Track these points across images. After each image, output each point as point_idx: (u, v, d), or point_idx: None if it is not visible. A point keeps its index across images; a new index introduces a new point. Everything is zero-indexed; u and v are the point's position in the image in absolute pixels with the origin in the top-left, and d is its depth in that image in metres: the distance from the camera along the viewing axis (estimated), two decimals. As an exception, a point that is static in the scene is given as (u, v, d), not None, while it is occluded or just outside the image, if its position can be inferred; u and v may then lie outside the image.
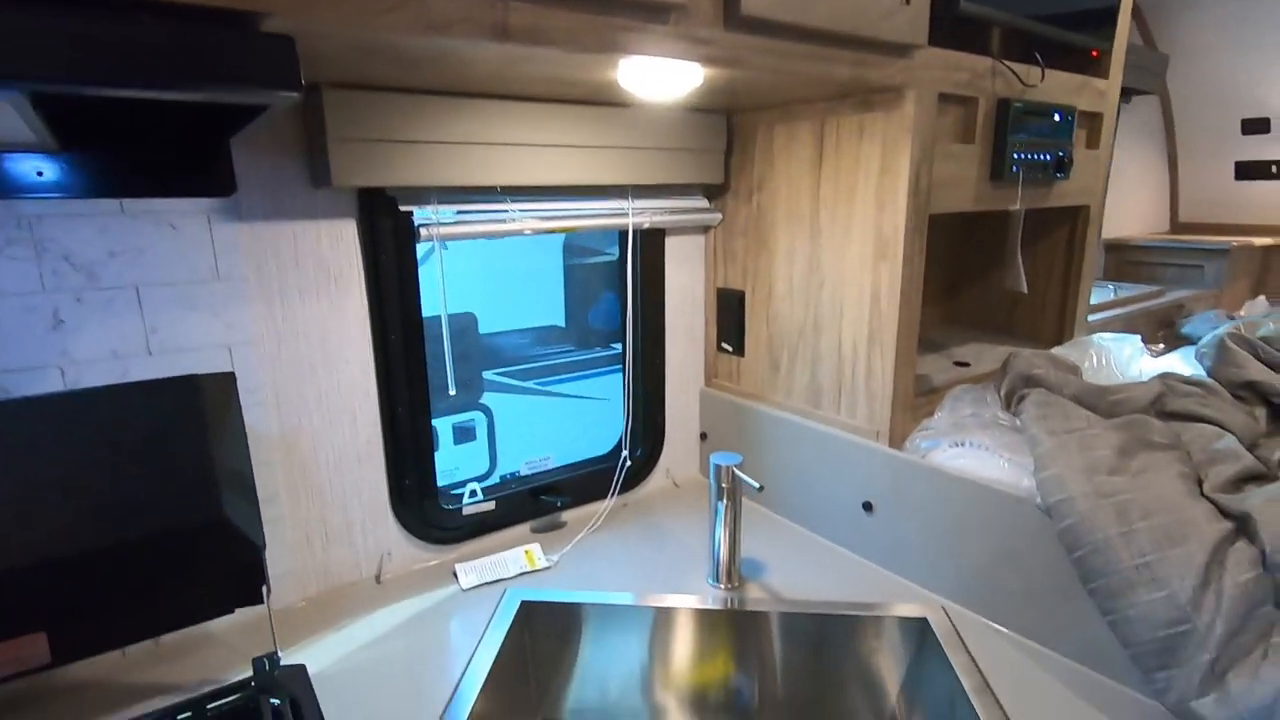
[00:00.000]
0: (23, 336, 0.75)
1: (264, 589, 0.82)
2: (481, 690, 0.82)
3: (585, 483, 1.24)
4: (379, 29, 0.59)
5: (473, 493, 1.12)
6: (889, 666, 0.95)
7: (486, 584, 1.03)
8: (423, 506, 1.06)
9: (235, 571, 0.80)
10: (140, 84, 0.48)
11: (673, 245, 1.25)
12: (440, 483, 1.09)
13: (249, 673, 0.82)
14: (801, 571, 1.05)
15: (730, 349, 1.29)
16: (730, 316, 1.27)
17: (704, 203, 1.24)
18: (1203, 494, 0.76)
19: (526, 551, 1.10)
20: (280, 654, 0.85)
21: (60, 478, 0.67)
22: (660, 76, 0.82)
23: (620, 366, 1.27)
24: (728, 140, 1.19)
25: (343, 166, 0.85)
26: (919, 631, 0.93)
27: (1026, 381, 0.99)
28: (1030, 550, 0.86)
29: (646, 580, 1.03)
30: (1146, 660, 0.71)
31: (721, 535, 0.98)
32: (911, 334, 1.02)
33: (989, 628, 0.91)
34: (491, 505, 1.13)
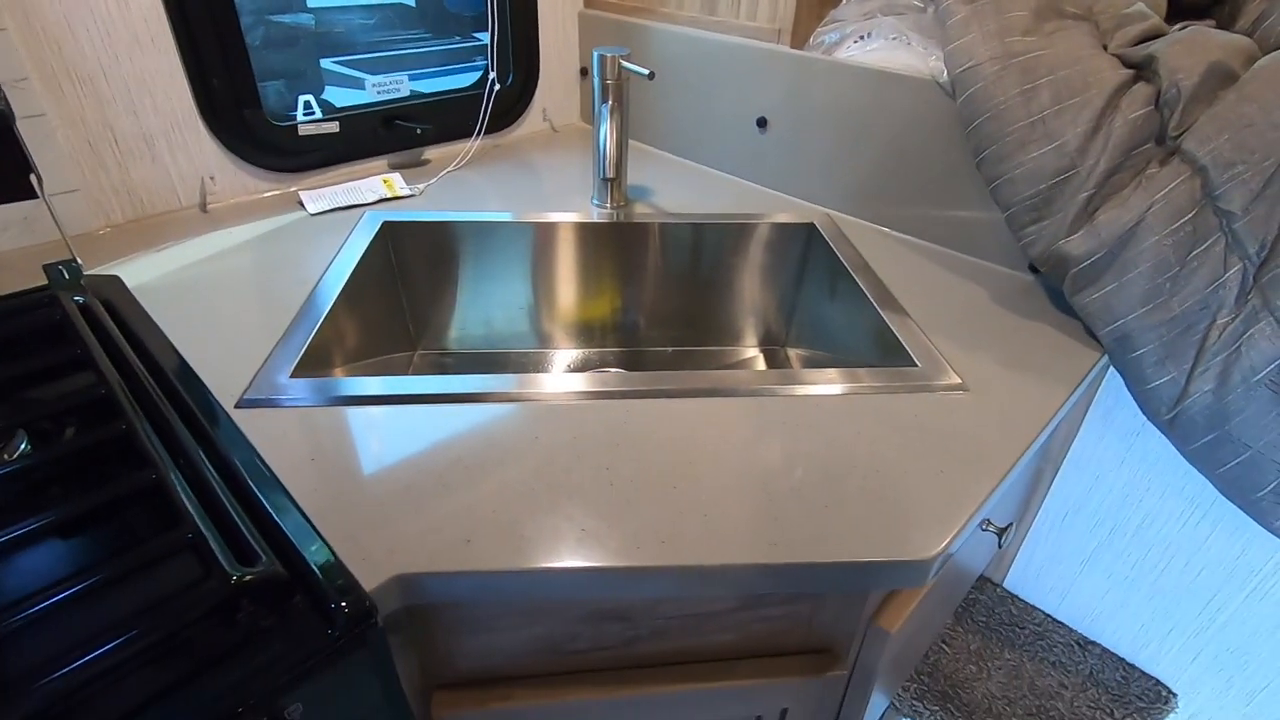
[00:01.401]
0: None
1: (33, 177, 0.65)
2: (345, 311, 0.74)
3: (448, 114, 1.07)
4: None
5: (308, 107, 0.93)
6: (774, 271, 0.96)
7: (339, 209, 0.90)
8: (244, 119, 0.87)
9: (-22, 147, 0.61)
10: None
11: None
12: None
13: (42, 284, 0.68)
14: (692, 196, 0.99)
15: (614, -50, 1.08)
16: (614, -97, 1.04)
17: None
18: (1109, 52, 0.73)
19: (385, 180, 0.96)
20: (82, 265, 0.71)
21: None
22: None
23: (485, 60, 1.05)
24: None
25: None
26: (805, 236, 0.93)
27: (944, -35, 0.88)
28: (922, 141, 0.84)
29: (526, 205, 0.94)
30: (1022, 217, 0.72)
31: (608, 140, 0.88)
32: (827, -99, 0.87)
33: (872, 229, 0.92)
34: (335, 127, 0.95)
